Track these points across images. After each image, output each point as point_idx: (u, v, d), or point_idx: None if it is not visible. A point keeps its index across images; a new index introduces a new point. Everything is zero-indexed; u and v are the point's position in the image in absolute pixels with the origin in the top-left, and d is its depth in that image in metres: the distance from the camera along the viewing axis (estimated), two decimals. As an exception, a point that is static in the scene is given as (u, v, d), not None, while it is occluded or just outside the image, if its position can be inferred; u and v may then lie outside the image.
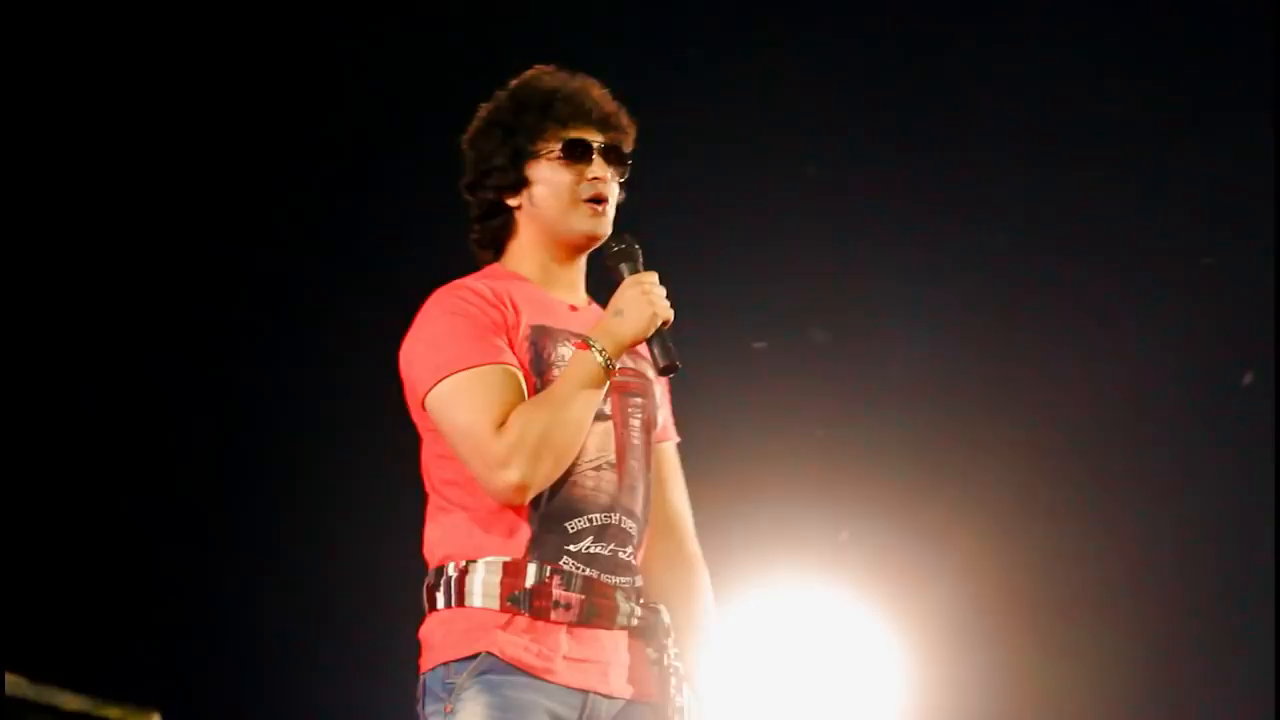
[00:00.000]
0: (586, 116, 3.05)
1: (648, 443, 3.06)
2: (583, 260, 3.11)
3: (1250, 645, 5.45)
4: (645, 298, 2.96)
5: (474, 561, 2.91)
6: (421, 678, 2.94)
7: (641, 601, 2.99)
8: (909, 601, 5.76)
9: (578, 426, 2.90)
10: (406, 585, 3.12)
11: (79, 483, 5.69)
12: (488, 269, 3.09)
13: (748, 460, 5.79)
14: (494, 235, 3.09)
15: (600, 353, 2.93)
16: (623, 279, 3.03)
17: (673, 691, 2.98)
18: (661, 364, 2.98)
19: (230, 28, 5.68)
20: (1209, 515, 5.58)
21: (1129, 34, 5.67)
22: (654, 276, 3.00)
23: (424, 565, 3.00)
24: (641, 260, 3.03)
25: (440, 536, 2.97)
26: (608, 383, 2.95)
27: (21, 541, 5.16)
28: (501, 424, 2.86)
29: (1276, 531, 5.37)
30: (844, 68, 5.76)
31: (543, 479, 2.88)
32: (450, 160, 3.19)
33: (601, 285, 3.14)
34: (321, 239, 5.70)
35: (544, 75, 3.10)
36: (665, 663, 2.98)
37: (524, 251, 3.07)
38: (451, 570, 2.92)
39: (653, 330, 2.97)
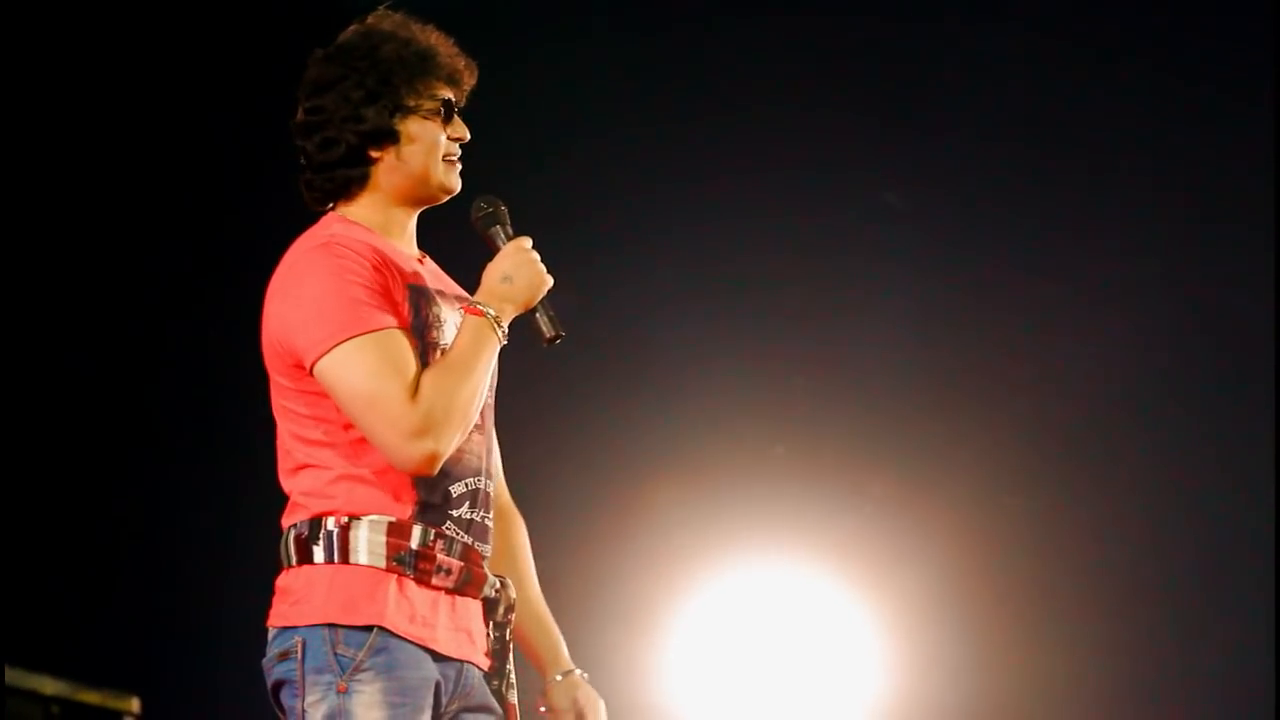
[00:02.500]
0: (454, 76, 3.03)
1: (495, 400, 3.02)
2: (417, 213, 3.06)
3: (1228, 626, 5.48)
4: (533, 265, 2.94)
5: (358, 518, 2.84)
6: (292, 634, 2.84)
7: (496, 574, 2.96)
8: (884, 584, 5.79)
9: (478, 395, 2.87)
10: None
11: (59, 469, 5.71)
12: (329, 218, 3.02)
13: (722, 443, 5.82)
14: (344, 183, 3.00)
15: (495, 320, 2.89)
16: (495, 241, 3.00)
17: (509, 666, 2.96)
18: (548, 334, 2.95)
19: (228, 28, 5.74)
20: (1189, 498, 5.62)
21: (1127, 29, 5.69)
22: (530, 241, 2.97)
23: (281, 520, 2.91)
24: (510, 223, 3.01)
25: (313, 490, 2.88)
26: (498, 348, 2.91)
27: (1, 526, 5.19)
28: (413, 392, 2.81)
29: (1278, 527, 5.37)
30: (832, 52, 5.81)
31: (451, 449, 2.83)
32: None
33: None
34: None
35: (399, 27, 3.04)
36: (506, 637, 2.96)
37: (374, 203, 3.00)
38: (332, 525, 2.84)
39: (537, 299, 2.94)
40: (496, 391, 3.03)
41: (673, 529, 5.82)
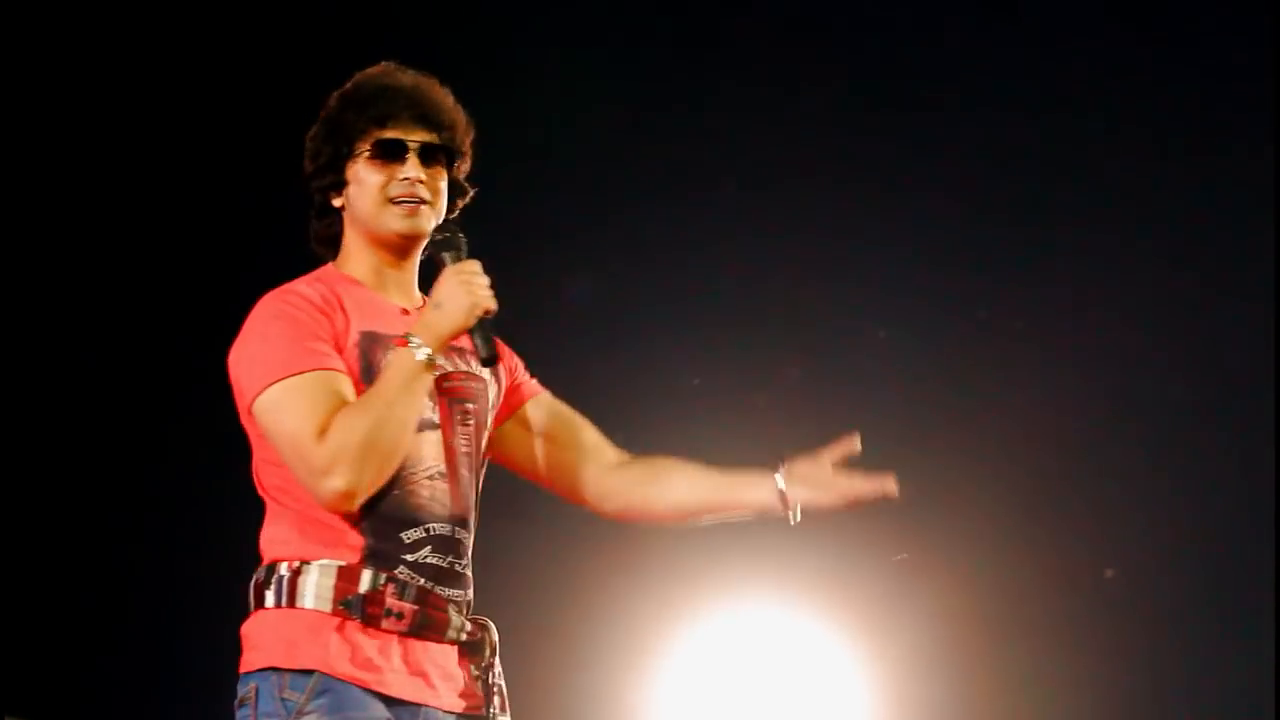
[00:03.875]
0: (403, 115, 3.02)
1: (477, 449, 3.03)
2: (413, 262, 3.08)
3: (1233, 671, 5.41)
4: (464, 287, 2.93)
5: (308, 563, 2.89)
6: (249, 680, 2.89)
7: (471, 617, 2.97)
8: (871, 620, 5.72)
9: (401, 426, 2.86)
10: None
11: (74, 514, 5.65)
12: (321, 270, 3.07)
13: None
14: (325, 234, 3.08)
15: (418, 348, 2.89)
16: (442, 268, 2.99)
17: (495, 711, 2.96)
18: (482, 355, 2.95)
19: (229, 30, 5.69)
20: (1188, 537, 5.53)
21: (1127, 38, 5.65)
22: (476, 265, 2.96)
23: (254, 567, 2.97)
24: (465, 249, 2.99)
25: (273, 537, 2.93)
26: (430, 378, 2.91)
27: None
28: (324, 431, 2.82)
29: (1276, 548, 5.30)
30: (831, 68, 5.76)
31: (369, 483, 2.85)
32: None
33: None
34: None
35: (376, 74, 3.08)
36: (490, 680, 2.96)
37: (354, 253, 3.06)
38: (284, 570, 2.88)
39: (473, 321, 2.92)
40: (478, 437, 3.03)
41: (664, 568, 5.72)
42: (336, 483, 2.81)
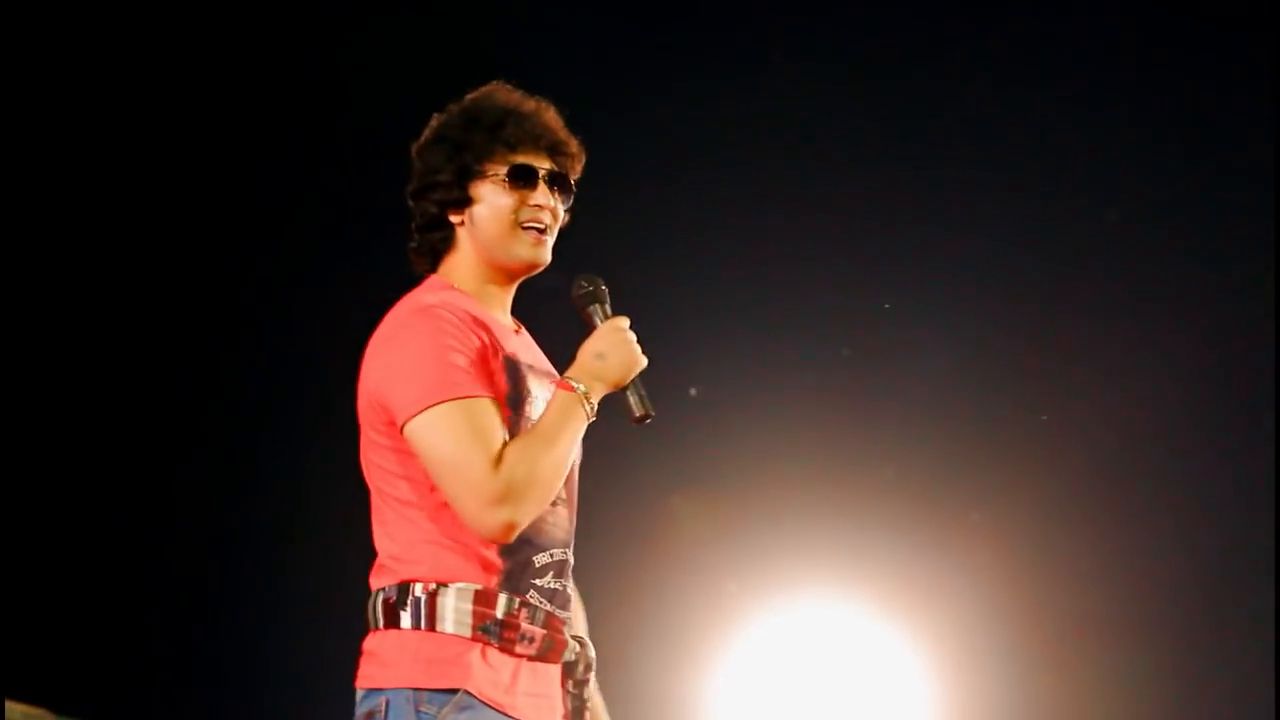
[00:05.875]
0: (536, 141, 3.04)
1: (576, 475, 3.06)
2: (515, 284, 3.10)
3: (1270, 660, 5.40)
4: (628, 345, 2.96)
5: (445, 585, 2.89)
6: (379, 694, 2.90)
7: (573, 635, 3.01)
8: (928, 617, 5.75)
9: (562, 468, 2.90)
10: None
11: (81, 499, 5.71)
12: (433, 282, 3.07)
13: (766, 476, 5.79)
14: (432, 247, 3.08)
15: (585, 396, 2.92)
16: (593, 319, 3.02)
17: None
18: (637, 414, 2.97)
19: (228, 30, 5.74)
20: (1227, 528, 5.57)
21: (1134, 47, 5.69)
22: (627, 321, 2.99)
23: (369, 574, 2.98)
24: (609, 303, 3.03)
25: (403, 553, 2.93)
26: (587, 424, 2.94)
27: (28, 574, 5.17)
28: (497, 461, 2.84)
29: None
30: (849, 73, 5.78)
31: (529, 519, 2.87)
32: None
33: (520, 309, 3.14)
34: (317, 241, 5.72)
35: (498, 93, 3.09)
36: (584, 695, 3.01)
37: (463, 268, 3.06)
38: (420, 591, 2.89)
39: (628, 379, 2.97)
40: (582, 467, 3.07)
41: (717, 563, 5.80)
42: (505, 515, 2.84)
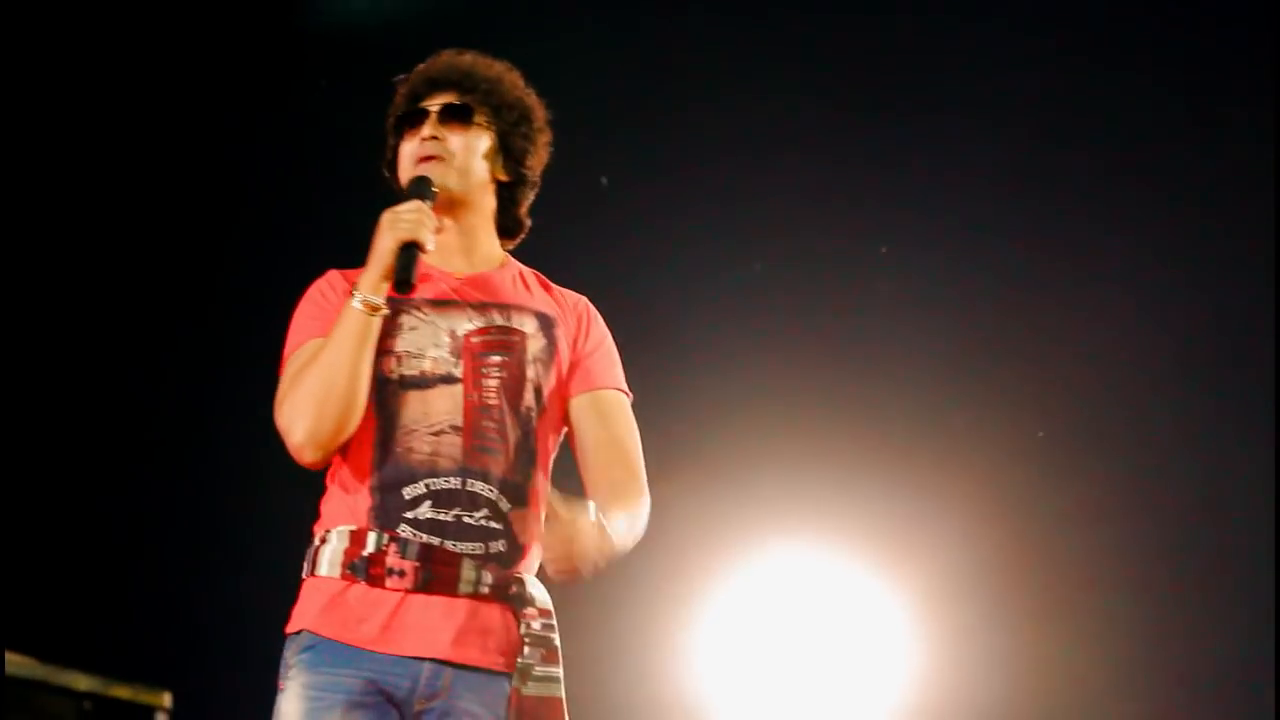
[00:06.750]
0: (428, 86, 3.08)
1: (514, 402, 2.99)
2: (470, 224, 3.08)
3: (1253, 616, 5.40)
4: (388, 223, 2.93)
5: (330, 531, 2.95)
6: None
7: (496, 568, 2.94)
8: (914, 571, 5.77)
9: (339, 371, 2.88)
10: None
11: (83, 465, 5.75)
12: None
13: (751, 432, 5.79)
14: None
15: (354, 294, 2.92)
16: None
17: (533, 662, 2.93)
18: (395, 279, 2.91)
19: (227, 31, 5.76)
20: (1215, 485, 5.60)
21: (1132, 35, 5.69)
22: (412, 204, 2.94)
23: None
24: (429, 192, 2.98)
25: (319, 508, 3.01)
26: (373, 321, 2.91)
27: (29, 525, 5.20)
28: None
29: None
30: (841, 61, 5.81)
31: (327, 434, 2.89)
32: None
33: (528, 252, 3.15)
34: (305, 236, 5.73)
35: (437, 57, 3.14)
36: (530, 631, 2.94)
37: None
38: (317, 540, 2.96)
39: (392, 254, 2.91)
40: (511, 391, 2.99)
41: (700, 516, 5.80)
42: (294, 437, 2.89)
